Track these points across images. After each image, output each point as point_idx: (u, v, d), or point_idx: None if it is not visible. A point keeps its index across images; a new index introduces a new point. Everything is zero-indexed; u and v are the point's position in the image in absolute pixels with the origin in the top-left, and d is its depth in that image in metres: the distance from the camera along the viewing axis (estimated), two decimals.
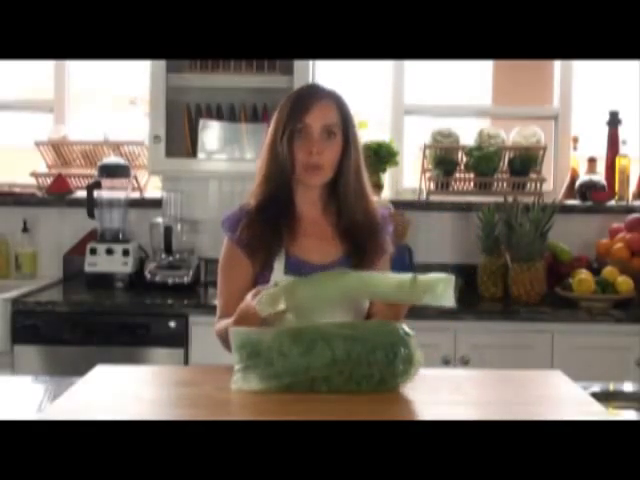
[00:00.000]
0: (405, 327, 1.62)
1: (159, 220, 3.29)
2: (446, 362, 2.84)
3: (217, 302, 1.95)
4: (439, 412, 1.49)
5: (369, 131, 3.52)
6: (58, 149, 3.56)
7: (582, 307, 2.95)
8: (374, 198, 1.99)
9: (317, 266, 1.85)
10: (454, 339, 2.86)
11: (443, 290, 1.59)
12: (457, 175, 3.45)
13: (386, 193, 3.48)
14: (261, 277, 1.87)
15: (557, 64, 3.62)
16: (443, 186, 3.43)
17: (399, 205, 3.28)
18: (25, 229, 3.42)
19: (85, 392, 1.59)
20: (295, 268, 1.84)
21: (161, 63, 3.16)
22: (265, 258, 1.86)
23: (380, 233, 1.93)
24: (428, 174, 3.45)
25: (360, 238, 1.90)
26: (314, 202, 1.92)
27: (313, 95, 1.87)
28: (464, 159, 3.44)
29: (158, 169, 3.29)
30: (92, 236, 3.36)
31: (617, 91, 3.84)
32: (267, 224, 1.86)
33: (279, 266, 1.85)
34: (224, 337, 1.75)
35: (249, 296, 1.70)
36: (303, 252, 1.88)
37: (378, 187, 3.24)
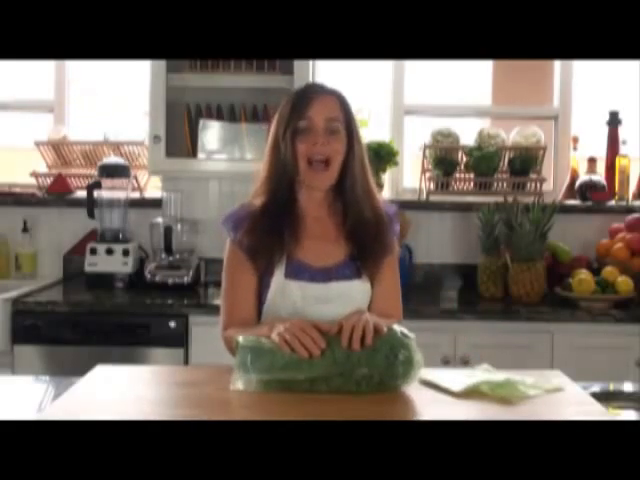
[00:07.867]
0: (404, 330, 1.62)
1: (159, 220, 3.29)
2: (446, 362, 2.84)
3: (221, 304, 1.90)
4: (439, 412, 1.49)
5: (369, 131, 3.52)
6: (58, 149, 3.56)
7: (582, 307, 2.95)
8: (380, 196, 1.97)
9: (318, 269, 1.83)
10: (454, 339, 2.86)
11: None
12: (457, 175, 3.45)
13: (386, 193, 3.48)
14: (263, 281, 1.85)
15: (557, 64, 3.61)
16: (443, 186, 3.43)
17: (399, 205, 3.26)
18: (25, 229, 3.42)
19: (85, 392, 1.59)
20: (295, 273, 1.82)
21: (161, 63, 3.16)
22: (267, 263, 1.83)
23: (387, 232, 1.90)
24: (428, 174, 3.45)
25: (367, 237, 1.86)
26: (319, 202, 1.88)
27: (314, 91, 1.86)
28: (464, 159, 3.44)
29: (158, 169, 3.28)
30: (92, 236, 3.36)
31: (617, 91, 3.84)
32: (269, 228, 1.82)
33: (279, 271, 1.82)
34: (232, 347, 1.70)
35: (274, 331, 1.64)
36: (305, 255, 1.84)
37: (378, 187, 3.24)
